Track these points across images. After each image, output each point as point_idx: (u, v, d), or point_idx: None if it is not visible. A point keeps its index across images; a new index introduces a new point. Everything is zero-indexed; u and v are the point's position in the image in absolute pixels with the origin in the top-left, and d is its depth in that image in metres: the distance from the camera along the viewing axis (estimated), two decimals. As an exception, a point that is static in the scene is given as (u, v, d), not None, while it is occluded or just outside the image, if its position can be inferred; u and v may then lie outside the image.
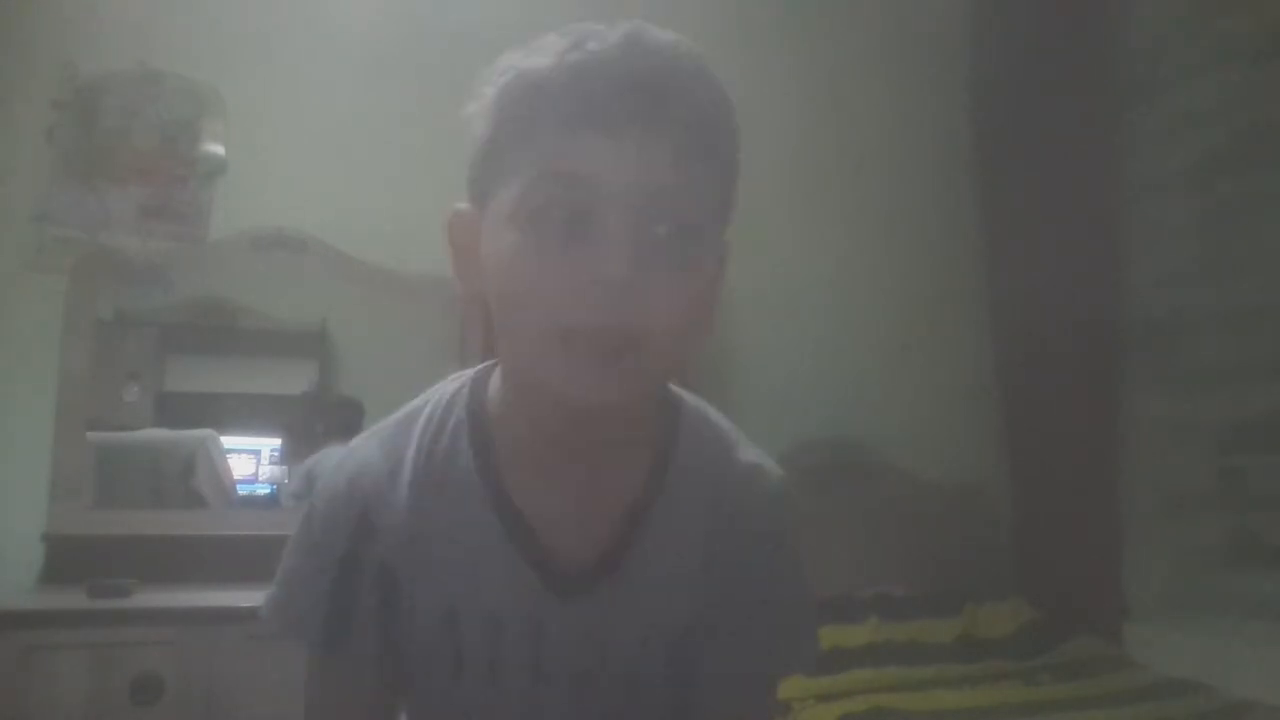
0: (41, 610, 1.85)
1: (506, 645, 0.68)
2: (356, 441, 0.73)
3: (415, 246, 2.14)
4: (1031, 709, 1.81)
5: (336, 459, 0.74)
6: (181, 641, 1.80)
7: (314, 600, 0.69)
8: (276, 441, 2.45)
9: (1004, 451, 2.74)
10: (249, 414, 2.46)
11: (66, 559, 2.06)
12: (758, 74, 2.72)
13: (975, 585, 2.39)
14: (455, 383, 0.74)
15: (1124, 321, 2.55)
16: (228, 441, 2.39)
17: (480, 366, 0.74)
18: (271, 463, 2.45)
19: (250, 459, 2.44)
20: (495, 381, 0.71)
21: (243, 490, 2.40)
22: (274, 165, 2.33)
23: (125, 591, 1.86)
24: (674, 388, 0.75)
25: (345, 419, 2.26)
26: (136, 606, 1.84)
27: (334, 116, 2.40)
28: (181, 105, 2.33)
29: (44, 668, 1.74)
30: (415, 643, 0.70)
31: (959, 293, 2.82)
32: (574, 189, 0.58)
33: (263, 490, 2.43)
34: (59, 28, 2.28)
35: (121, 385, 2.36)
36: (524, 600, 0.67)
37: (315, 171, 2.36)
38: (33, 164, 2.21)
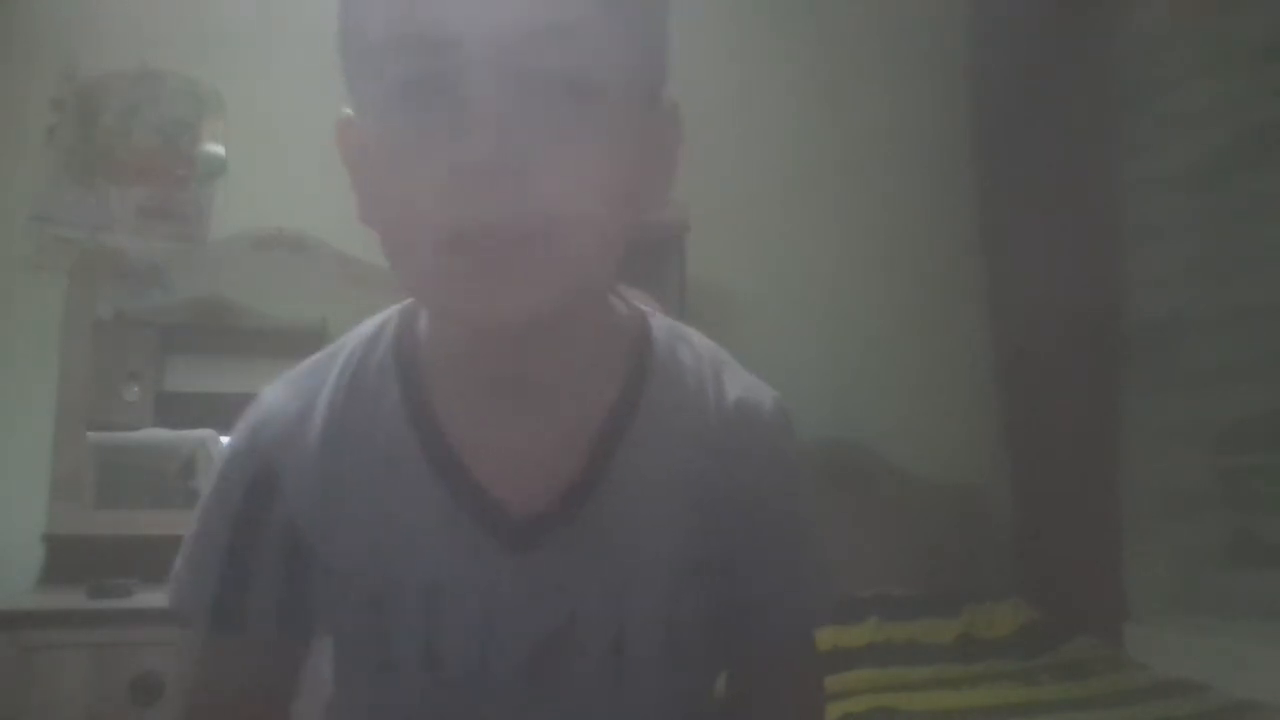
0: (41, 610, 1.85)
1: (448, 620, 0.57)
2: (265, 389, 0.64)
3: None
4: (1031, 709, 1.80)
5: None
6: (181, 641, 1.81)
7: (205, 572, 0.59)
8: (276, 441, 2.45)
9: (1004, 451, 2.74)
10: (249, 414, 2.46)
11: (66, 559, 2.06)
12: (757, 73, 2.73)
13: (975, 585, 2.39)
14: (381, 317, 0.63)
15: (1124, 321, 2.55)
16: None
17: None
18: (271, 463, 2.45)
19: (250, 459, 2.44)
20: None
21: (243, 490, 2.39)
22: (274, 165, 2.33)
23: (125, 591, 1.86)
24: (640, 305, 0.65)
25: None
26: (136, 606, 1.84)
27: (334, 116, 2.39)
28: (181, 105, 2.33)
29: (44, 668, 1.74)
30: (336, 626, 0.60)
31: (959, 292, 2.81)
32: (426, 55, 0.46)
33: (263, 490, 2.43)
34: (59, 28, 2.28)
35: (121, 385, 2.36)
36: (468, 561, 0.56)
37: (315, 171, 2.33)
38: (33, 164, 2.22)
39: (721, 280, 2.54)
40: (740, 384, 0.63)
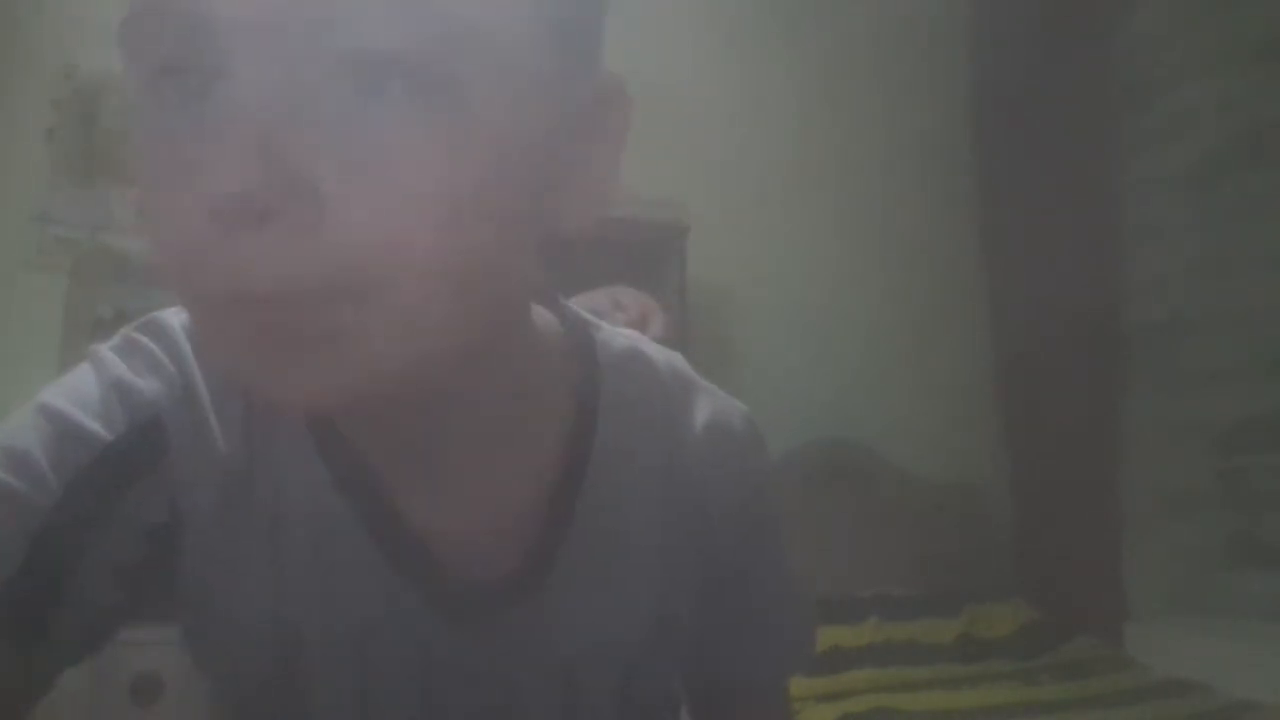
0: (41, 610, 1.85)
1: (379, 690, 0.47)
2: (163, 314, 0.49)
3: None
4: (1032, 710, 1.80)
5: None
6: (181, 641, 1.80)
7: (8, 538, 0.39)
8: (276, 441, 2.45)
9: (1004, 451, 2.74)
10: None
11: (66, 559, 2.06)
12: (757, 73, 2.73)
13: (975, 585, 2.39)
14: None
15: (1124, 321, 2.55)
16: (228, 441, 2.38)
17: None
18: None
19: (250, 459, 2.43)
20: None
21: (243, 490, 2.39)
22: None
23: (125, 591, 1.86)
24: (583, 316, 0.53)
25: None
26: (136, 606, 1.84)
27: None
28: (181, 105, 2.33)
29: (44, 668, 1.73)
30: (236, 681, 0.50)
31: (959, 292, 2.82)
32: (178, 35, 0.32)
33: (263, 490, 2.42)
34: (59, 28, 2.28)
35: (121, 385, 2.36)
36: (399, 626, 0.47)
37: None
38: (33, 164, 2.22)
39: (721, 280, 2.54)
40: (708, 404, 0.55)
